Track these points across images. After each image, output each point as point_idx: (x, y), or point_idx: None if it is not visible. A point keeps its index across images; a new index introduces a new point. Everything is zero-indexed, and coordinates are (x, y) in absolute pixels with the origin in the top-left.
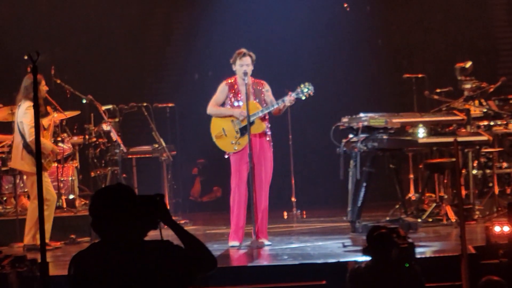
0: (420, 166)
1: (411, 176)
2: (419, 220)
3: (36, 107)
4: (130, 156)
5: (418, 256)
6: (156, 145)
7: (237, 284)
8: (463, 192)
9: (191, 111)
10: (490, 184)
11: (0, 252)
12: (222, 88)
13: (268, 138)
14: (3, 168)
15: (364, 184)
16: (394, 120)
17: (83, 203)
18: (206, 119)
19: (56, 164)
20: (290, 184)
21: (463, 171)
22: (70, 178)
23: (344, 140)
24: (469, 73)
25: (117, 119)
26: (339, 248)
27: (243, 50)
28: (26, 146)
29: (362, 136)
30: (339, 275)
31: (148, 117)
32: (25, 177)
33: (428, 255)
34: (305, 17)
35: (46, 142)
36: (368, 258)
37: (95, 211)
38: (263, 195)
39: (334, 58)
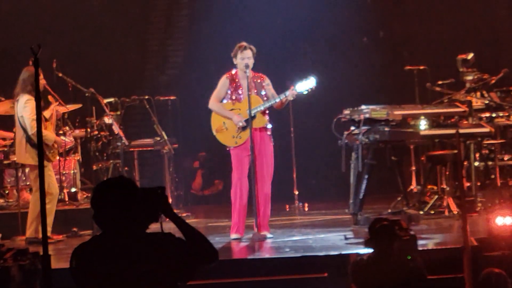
0: (422, 158)
1: (413, 168)
2: (421, 212)
3: (37, 100)
4: (132, 149)
5: (420, 248)
6: (158, 138)
7: (239, 277)
8: (465, 184)
9: (192, 104)
10: (492, 176)
11: (3, 245)
12: (223, 82)
13: (269, 133)
14: (5, 162)
15: (366, 177)
16: (396, 112)
17: (85, 196)
18: (208, 112)
19: (58, 158)
20: (291, 177)
21: (465, 163)
22: (72, 171)
23: (345, 133)
24: (471, 65)
25: (118, 112)
26: (341, 241)
27: (244, 43)
28: (29, 139)
29: (364, 128)
30: (341, 267)
31: (150, 110)
32: (27, 169)
33: (430, 247)
34: (306, 9)
35: (48, 133)
36: (370, 251)
37: (97, 204)
38: (265, 189)
39: (336, 50)
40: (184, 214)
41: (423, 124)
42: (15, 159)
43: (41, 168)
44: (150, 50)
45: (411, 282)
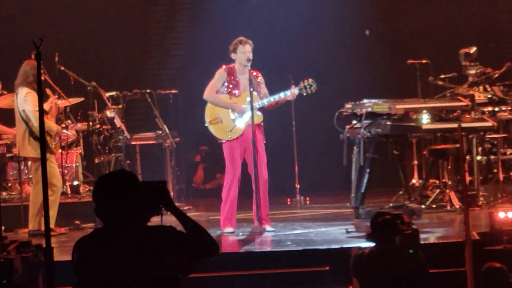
0: (424, 152)
1: (415, 162)
2: (423, 206)
3: (40, 93)
4: (133, 143)
5: (421, 242)
6: (160, 132)
7: (240, 270)
8: (467, 178)
9: (194, 98)
10: (495, 170)
11: (6, 237)
12: (221, 74)
13: (261, 129)
14: (8, 155)
15: (368, 170)
16: (398, 106)
17: (87, 189)
18: None
19: (60, 151)
20: (293, 170)
21: (467, 157)
22: (74, 165)
23: (347, 126)
24: (474, 59)
25: (120, 106)
26: (342, 234)
27: (243, 38)
28: (31, 132)
29: (366, 122)
30: (342, 261)
31: (152, 103)
32: (29, 163)
33: (431, 241)
34: (308, 4)
35: (52, 123)
36: (372, 244)
37: (99, 197)
38: (264, 175)
39: (338, 44)
40: (186, 208)
41: (425, 118)
42: (17, 152)
43: (43, 161)
44: (152, 44)
45: (413, 276)
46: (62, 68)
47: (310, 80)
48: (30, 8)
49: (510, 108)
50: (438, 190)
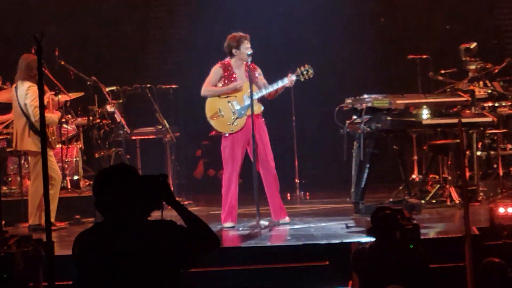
0: (424, 148)
1: (415, 157)
2: (423, 201)
3: (40, 88)
4: (133, 138)
5: (421, 237)
6: (160, 127)
7: (241, 265)
8: (467, 174)
9: (194, 93)
10: (495, 166)
11: (6, 232)
12: (216, 70)
13: (263, 119)
14: (8, 149)
15: (368, 165)
16: (398, 101)
17: (87, 184)
18: None
19: (60, 145)
20: (293, 165)
21: (467, 152)
22: (74, 159)
23: (347, 121)
24: (474, 54)
25: (120, 101)
26: (342, 229)
27: (243, 33)
28: (31, 126)
29: (366, 117)
30: (342, 255)
31: (152, 98)
32: (29, 157)
33: (431, 236)
34: None
35: (52, 115)
36: (372, 239)
37: (99, 191)
38: (272, 170)
39: (338, 39)
40: (186, 202)
41: (425, 113)
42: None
43: (44, 155)
44: (152, 39)
45: (413, 271)
46: (63, 62)
47: (306, 66)
48: (29, 3)
49: (510, 103)
50: (438, 185)
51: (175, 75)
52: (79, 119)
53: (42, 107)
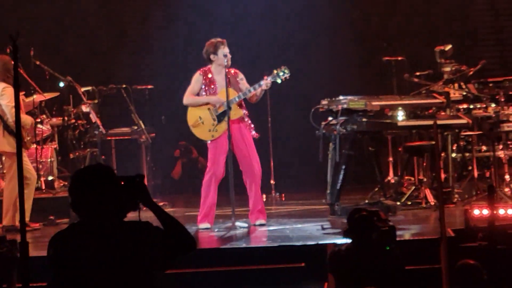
0: (399, 149)
1: (390, 159)
2: (398, 203)
3: (16, 87)
4: (109, 138)
5: (397, 239)
6: (135, 127)
7: (216, 266)
8: (442, 175)
9: (170, 93)
10: (470, 168)
11: None
12: (197, 78)
13: (248, 122)
14: None
15: (343, 167)
16: (374, 103)
17: (62, 184)
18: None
19: (35, 146)
20: (269, 167)
21: (443, 154)
22: (49, 160)
23: (323, 123)
24: (449, 56)
25: (96, 101)
26: (318, 231)
27: (220, 39)
28: (6, 127)
29: (342, 118)
30: (318, 257)
31: (127, 99)
32: (3, 158)
33: (407, 238)
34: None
35: (27, 117)
36: (348, 241)
37: (75, 191)
38: (256, 174)
39: (314, 41)
40: (161, 203)
41: (400, 115)
42: None
43: (19, 156)
44: (128, 39)
45: (389, 273)
46: (38, 62)
47: (283, 67)
48: (3, 2)
49: (484, 105)
50: (413, 187)
51: (151, 75)
52: (54, 119)
53: (18, 108)
